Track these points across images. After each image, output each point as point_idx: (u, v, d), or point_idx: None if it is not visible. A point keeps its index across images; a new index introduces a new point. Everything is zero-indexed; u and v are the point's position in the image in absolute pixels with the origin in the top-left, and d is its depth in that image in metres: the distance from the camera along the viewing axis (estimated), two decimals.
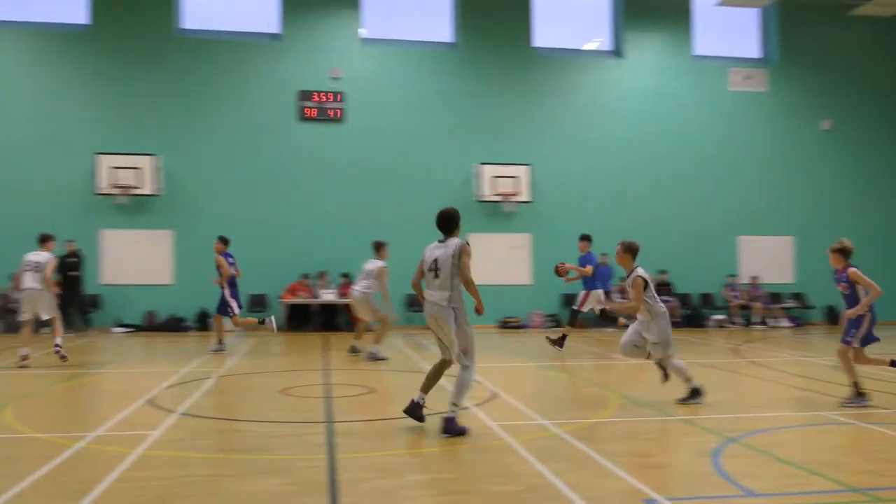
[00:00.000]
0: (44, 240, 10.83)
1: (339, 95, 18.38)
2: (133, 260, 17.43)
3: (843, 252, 7.58)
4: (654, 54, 19.83)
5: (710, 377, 10.02)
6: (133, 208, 17.48)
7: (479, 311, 6.24)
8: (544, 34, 19.59)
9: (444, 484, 5.00)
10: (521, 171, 18.48)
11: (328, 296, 17.37)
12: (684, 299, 19.08)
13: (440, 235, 6.35)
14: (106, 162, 17.01)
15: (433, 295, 6.20)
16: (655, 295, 7.54)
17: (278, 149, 18.16)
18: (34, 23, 17.92)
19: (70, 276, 16.10)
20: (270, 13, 18.60)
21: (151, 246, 17.55)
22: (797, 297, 19.74)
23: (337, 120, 18.41)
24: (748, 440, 6.09)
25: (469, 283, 6.13)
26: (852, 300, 7.48)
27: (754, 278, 19.40)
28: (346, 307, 17.57)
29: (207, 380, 7.61)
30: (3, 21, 17.80)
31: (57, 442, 5.79)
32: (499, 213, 18.76)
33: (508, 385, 9.11)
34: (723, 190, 19.79)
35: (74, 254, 16.44)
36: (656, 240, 19.29)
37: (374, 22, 19.12)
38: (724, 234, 19.67)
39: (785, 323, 18.85)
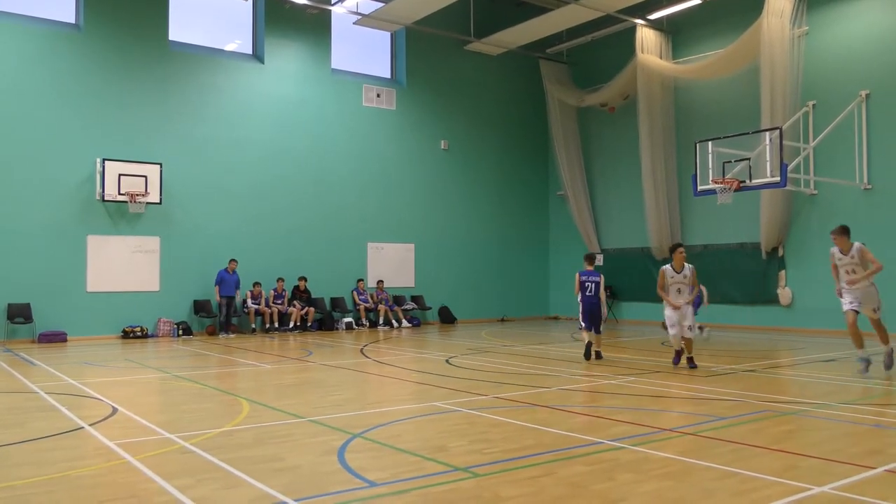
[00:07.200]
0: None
1: None
2: None
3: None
4: (294, 63, 20.10)
5: (340, 377, 10.48)
6: None
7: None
8: (181, 29, 18.65)
9: None
10: (150, 170, 17.32)
11: None
12: (318, 304, 19.63)
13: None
14: None
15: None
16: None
17: None
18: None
19: None
20: None
21: None
22: (416, 299, 21.55)
23: None
24: (371, 434, 6.48)
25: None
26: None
27: (380, 283, 20.72)
28: None
29: None
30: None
31: None
32: (124, 214, 17.36)
33: (130, 401, 8.50)
34: (356, 199, 20.77)
35: None
36: (291, 245, 19.66)
37: None
38: (355, 240, 20.66)
39: (406, 324, 20.47)
